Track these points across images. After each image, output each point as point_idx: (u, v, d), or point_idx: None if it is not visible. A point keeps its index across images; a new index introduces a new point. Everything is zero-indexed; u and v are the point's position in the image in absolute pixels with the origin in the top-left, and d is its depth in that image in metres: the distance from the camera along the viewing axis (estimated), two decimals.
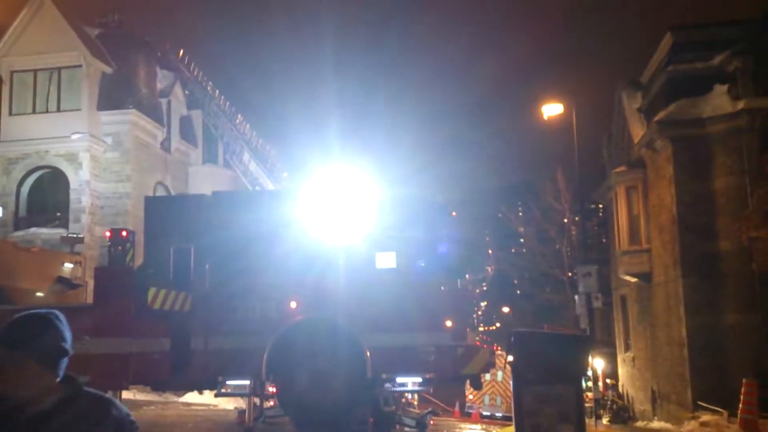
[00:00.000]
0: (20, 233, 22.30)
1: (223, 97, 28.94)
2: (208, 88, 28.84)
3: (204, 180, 27.05)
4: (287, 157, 29.51)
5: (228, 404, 15.00)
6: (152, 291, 8.55)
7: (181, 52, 28.61)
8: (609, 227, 23.85)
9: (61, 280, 11.35)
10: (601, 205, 30.62)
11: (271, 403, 11.72)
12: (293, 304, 9.63)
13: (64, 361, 1.96)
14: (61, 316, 1.97)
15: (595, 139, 26.02)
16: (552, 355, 5.83)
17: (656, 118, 16.74)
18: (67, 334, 1.98)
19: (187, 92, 28.20)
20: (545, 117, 19.64)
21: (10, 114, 23.42)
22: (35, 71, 23.40)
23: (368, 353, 9.29)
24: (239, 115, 28.69)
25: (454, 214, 10.28)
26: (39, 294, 10.84)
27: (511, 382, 6.61)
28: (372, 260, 9.69)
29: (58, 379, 1.95)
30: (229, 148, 28.09)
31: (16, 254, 11.01)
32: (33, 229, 22.67)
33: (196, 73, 28.75)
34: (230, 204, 10.44)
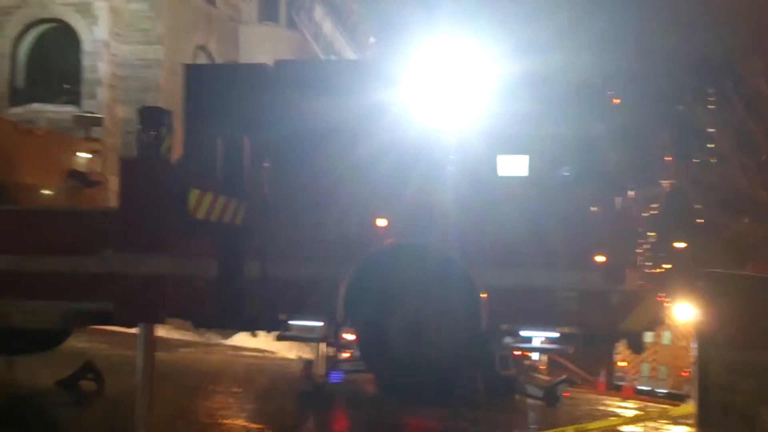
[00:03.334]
0: (18, 110, 23.56)
1: None
2: None
3: (260, 44, 27.45)
4: (376, 15, 29.28)
5: (289, 352, 15.72)
6: (194, 194, 8.86)
7: None
8: None
9: (75, 174, 11.88)
10: None
11: (348, 354, 12.18)
12: (382, 222, 9.80)
13: None
14: None
15: None
16: (760, 309, 5.72)
17: None
18: None
19: None
20: None
21: None
22: None
23: (484, 295, 9.42)
24: None
25: (616, 101, 10.00)
26: (46, 191, 11.45)
27: (690, 346, 6.50)
28: (493, 165, 9.67)
29: None
30: (295, 1, 28.17)
31: (17, 138, 11.61)
32: (35, 105, 23.86)
33: None
34: (299, 78, 10.55)
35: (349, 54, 26.73)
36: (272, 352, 15.76)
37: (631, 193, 10.07)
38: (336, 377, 10.65)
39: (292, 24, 28.84)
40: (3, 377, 11.35)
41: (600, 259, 9.35)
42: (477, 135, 9.66)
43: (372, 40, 28.19)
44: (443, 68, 9.93)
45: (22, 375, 11.54)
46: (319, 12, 28.03)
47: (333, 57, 26.54)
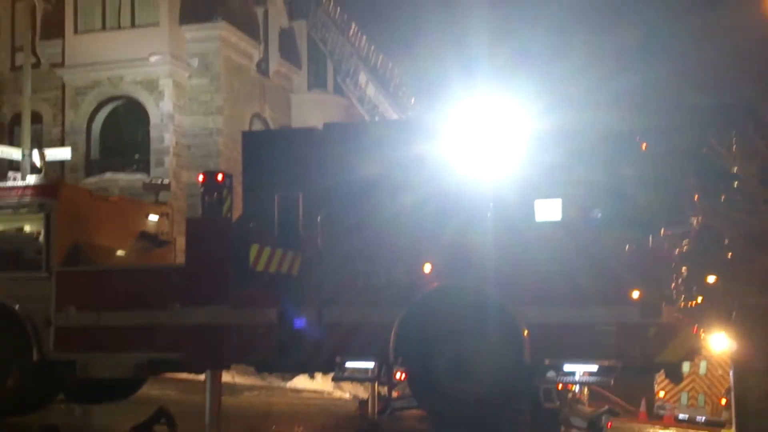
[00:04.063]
0: (93, 179, 24.00)
1: (332, 1, 29.25)
2: None
3: (310, 110, 27.78)
4: (416, 77, 29.51)
5: (344, 392, 15.63)
6: (254, 249, 8.94)
7: None
8: None
9: (145, 235, 12.04)
10: None
11: (398, 392, 12.08)
12: (428, 268, 9.76)
13: None
14: None
15: None
16: None
17: None
18: None
19: None
20: None
21: (76, 32, 24.98)
22: None
23: (526, 332, 9.30)
24: (354, 25, 28.92)
25: (643, 146, 9.89)
26: (120, 252, 11.62)
27: (729, 374, 6.35)
28: (530, 210, 9.60)
29: None
30: (341, 69, 28.49)
31: (93, 205, 11.82)
32: (108, 174, 24.32)
33: None
34: (347, 139, 10.63)
35: (392, 114, 26.83)
36: (329, 393, 15.68)
37: (663, 231, 9.90)
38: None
39: (338, 90, 29.15)
40: (82, 425, 11.43)
41: (636, 294, 9.17)
42: (514, 183, 9.62)
43: (413, 100, 28.29)
44: (482, 122, 9.94)
45: (100, 422, 11.60)
46: (363, 78, 28.25)
47: (377, 118, 26.66)
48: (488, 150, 9.79)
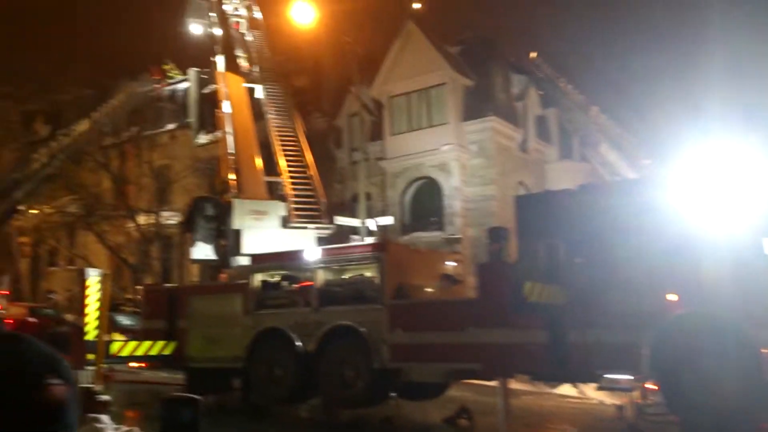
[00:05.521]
0: (406, 237, 25.29)
1: (576, 90, 28.68)
2: (561, 84, 28.89)
3: (561, 176, 27.19)
4: (649, 142, 27.76)
5: (599, 398, 14.73)
6: (528, 285, 8.89)
7: (533, 54, 29.24)
8: None
9: (446, 276, 12.44)
10: None
11: (651, 400, 11.16)
12: (672, 297, 9.03)
13: None
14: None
15: None
16: None
17: None
18: None
19: (540, 92, 28.67)
20: None
21: (392, 134, 26.81)
22: (408, 94, 26.39)
23: (764, 352, 8.22)
24: (594, 107, 28.08)
25: None
26: (429, 289, 12.11)
27: None
28: (760, 246, 8.55)
29: None
30: (585, 142, 27.71)
31: (410, 255, 12.51)
32: (416, 233, 25.49)
33: (548, 72, 29.09)
34: (597, 196, 10.23)
35: (629, 173, 25.43)
36: (587, 399, 14.86)
37: None
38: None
39: (583, 158, 28.28)
40: (406, 414, 11.86)
41: None
42: (746, 224, 8.66)
43: (647, 161, 26.59)
44: (714, 171, 9.08)
45: (418, 414, 11.97)
46: (603, 146, 27.20)
47: (616, 177, 25.39)
48: (721, 195, 8.92)
